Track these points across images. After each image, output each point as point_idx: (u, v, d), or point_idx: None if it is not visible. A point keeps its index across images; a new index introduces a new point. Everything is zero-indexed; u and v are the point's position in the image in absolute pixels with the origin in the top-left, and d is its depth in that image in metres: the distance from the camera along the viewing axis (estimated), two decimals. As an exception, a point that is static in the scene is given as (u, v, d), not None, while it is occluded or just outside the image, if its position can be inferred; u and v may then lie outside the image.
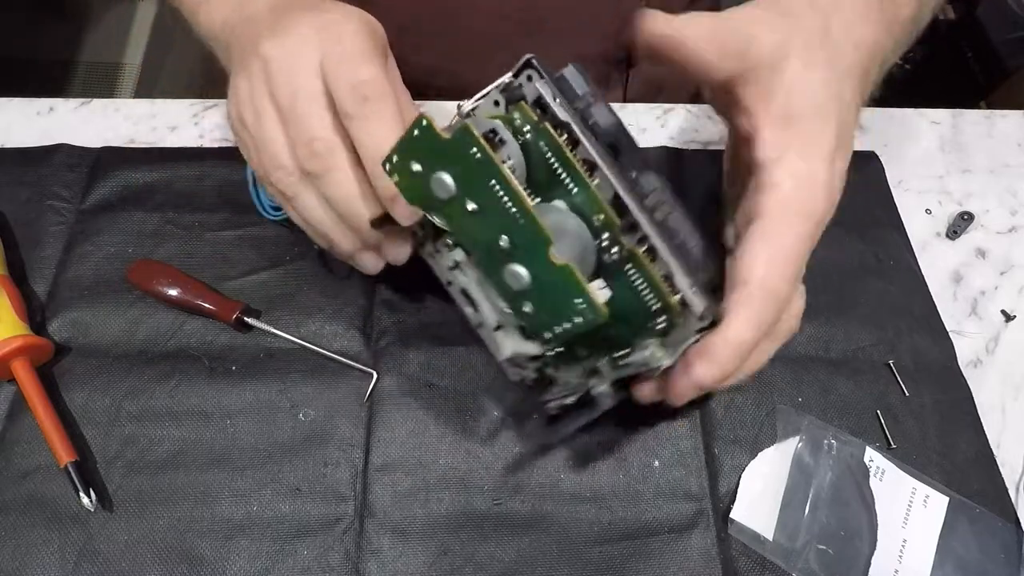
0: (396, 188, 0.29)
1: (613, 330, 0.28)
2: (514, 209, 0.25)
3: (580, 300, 0.25)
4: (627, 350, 0.29)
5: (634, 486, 0.36)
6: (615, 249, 0.27)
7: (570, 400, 0.33)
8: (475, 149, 0.25)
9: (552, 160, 0.28)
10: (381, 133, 0.30)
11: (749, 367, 0.31)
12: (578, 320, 0.26)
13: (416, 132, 0.27)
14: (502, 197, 0.25)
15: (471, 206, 0.26)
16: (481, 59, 0.39)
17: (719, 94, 0.32)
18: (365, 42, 0.32)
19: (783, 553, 0.35)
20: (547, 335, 0.27)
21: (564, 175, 0.28)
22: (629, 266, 0.27)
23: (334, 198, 0.32)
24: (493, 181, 0.25)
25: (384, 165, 0.28)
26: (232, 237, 0.43)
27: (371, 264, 0.35)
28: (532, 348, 0.31)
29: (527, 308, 0.27)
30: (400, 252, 0.34)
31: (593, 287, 0.26)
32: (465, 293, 0.33)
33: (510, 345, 0.32)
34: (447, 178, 0.26)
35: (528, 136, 0.28)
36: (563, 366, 0.32)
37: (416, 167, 0.27)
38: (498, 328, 0.32)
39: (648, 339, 0.28)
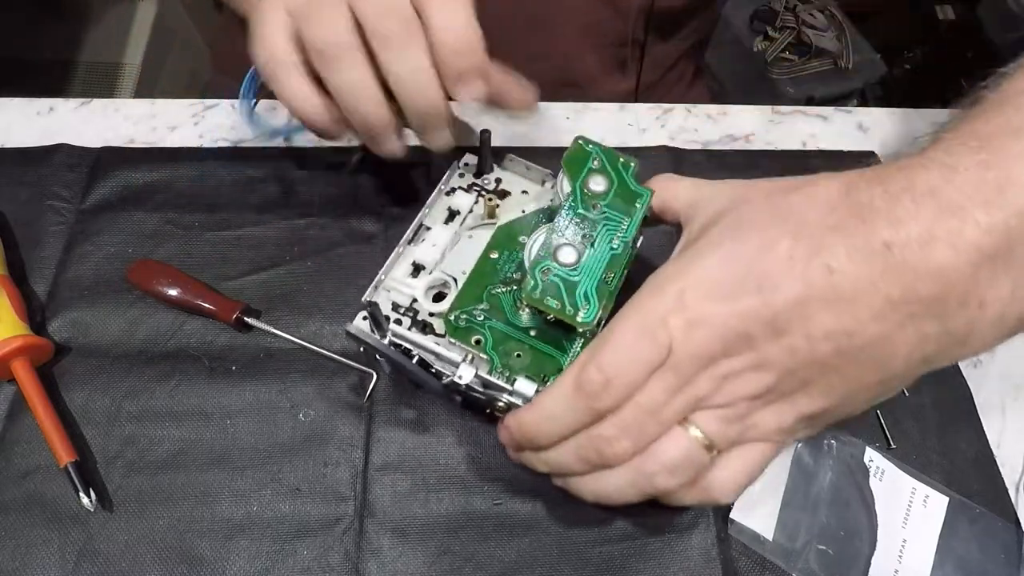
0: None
1: (529, 355, 0.34)
2: (619, 240, 0.34)
3: (590, 306, 0.32)
4: (509, 375, 0.34)
5: (634, 486, 0.36)
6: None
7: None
8: (640, 204, 0.35)
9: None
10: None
11: (564, 461, 0.30)
12: (568, 311, 0.32)
13: (622, 161, 0.36)
14: (623, 227, 0.35)
15: (598, 206, 0.35)
16: (496, 51, 0.40)
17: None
18: None
19: (783, 553, 0.35)
20: (528, 291, 0.32)
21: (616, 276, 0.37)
22: (583, 341, 0.35)
23: (409, 67, 0.32)
24: (629, 220, 0.35)
25: (580, 140, 0.37)
26: (232, 237, 0.43)
27: (395, 147, 0.36)
28: (434, 306, 0.36)
29: (543, 274, 0.33)
30: (444, 138, 0.36)
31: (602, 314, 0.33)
32: (422, 226, 0.39)
33: (410, 277, 0.37)
34: (603, 185, 0.35)
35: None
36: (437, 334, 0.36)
37: (596, 164, 0.36)
38: (416, 271, 0.37)
39: (530, 383, 0.33)
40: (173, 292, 0.40)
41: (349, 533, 0.35)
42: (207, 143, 0.47)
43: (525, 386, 0.33)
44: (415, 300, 0.37)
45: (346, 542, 0.35)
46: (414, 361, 0.34)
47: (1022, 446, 0.39)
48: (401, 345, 0.35)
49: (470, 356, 0.34)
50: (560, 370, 0.34)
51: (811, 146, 0.49)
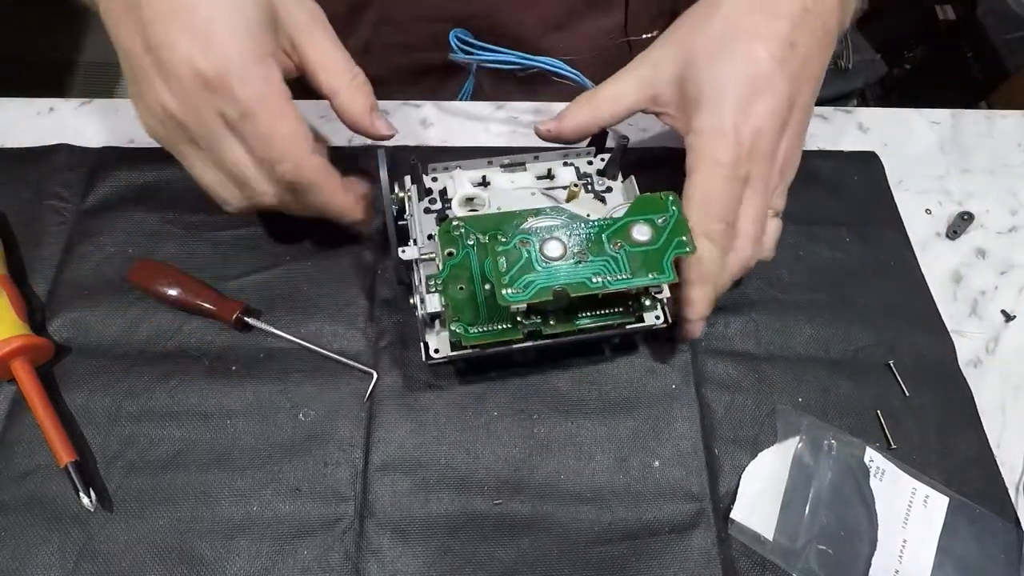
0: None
1: (466, 295, 0.35)
2: (602, 281, 0.34)
3: (522, 294, 0.32)
4: (436, 288, 0.35)
5: (634, 486, 0.36)
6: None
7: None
8: (652, 277, 0.35)
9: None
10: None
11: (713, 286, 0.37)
12: (503, 279, 0.32)
13: (681, 239, 0.35)
14: (617, 279, 0.34)
15: (619, 245, 0.35)
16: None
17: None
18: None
19: (783, 553, 0.35)
20: (495, 242, 0.33)
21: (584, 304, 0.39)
22: (510, 326, 0.35)
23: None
24: (629, 280, 0.34)
25: (671, 196, 0.36)
26: (232, 237, 0.43)
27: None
28: (459, 209, 0.39)
29: (520, 243, 0.33)
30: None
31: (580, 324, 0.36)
32: (444, 194, 0.41)
33: (468, 181, 0.40)
34: (645, 237, 0.35)
35: None
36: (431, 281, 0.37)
37: (660, 221, 0.36)
38: (478, 185, 0.40)
39: (439, 303, 0.35)
40: (173, 292, 0.39)
41: (349, 533, 0.35)
42: (207, 143, 0.47)
43: (433, 302, 0.35)
44: (452, 196, 0.39)
45: (346, 542, 0.35)
46: (399, 223, 0.37)
47: (1022, 446, 0.39)
48: (403, 210, 0.39)
49: (433, 255, 0.35)
50: (470, 325, 0.34)
51: (811, 146, 0.49)
